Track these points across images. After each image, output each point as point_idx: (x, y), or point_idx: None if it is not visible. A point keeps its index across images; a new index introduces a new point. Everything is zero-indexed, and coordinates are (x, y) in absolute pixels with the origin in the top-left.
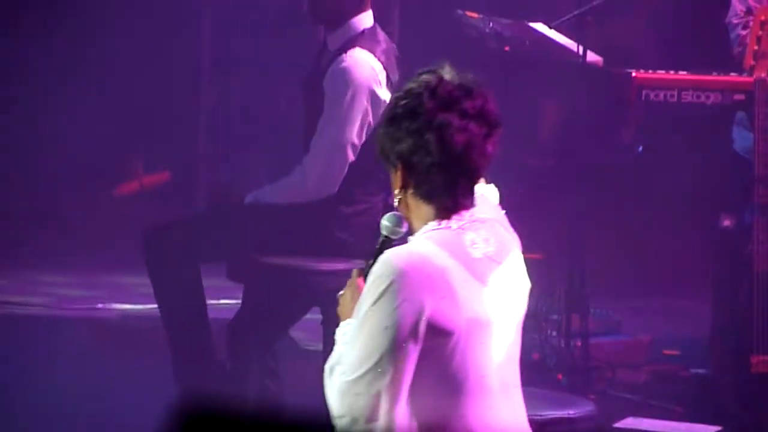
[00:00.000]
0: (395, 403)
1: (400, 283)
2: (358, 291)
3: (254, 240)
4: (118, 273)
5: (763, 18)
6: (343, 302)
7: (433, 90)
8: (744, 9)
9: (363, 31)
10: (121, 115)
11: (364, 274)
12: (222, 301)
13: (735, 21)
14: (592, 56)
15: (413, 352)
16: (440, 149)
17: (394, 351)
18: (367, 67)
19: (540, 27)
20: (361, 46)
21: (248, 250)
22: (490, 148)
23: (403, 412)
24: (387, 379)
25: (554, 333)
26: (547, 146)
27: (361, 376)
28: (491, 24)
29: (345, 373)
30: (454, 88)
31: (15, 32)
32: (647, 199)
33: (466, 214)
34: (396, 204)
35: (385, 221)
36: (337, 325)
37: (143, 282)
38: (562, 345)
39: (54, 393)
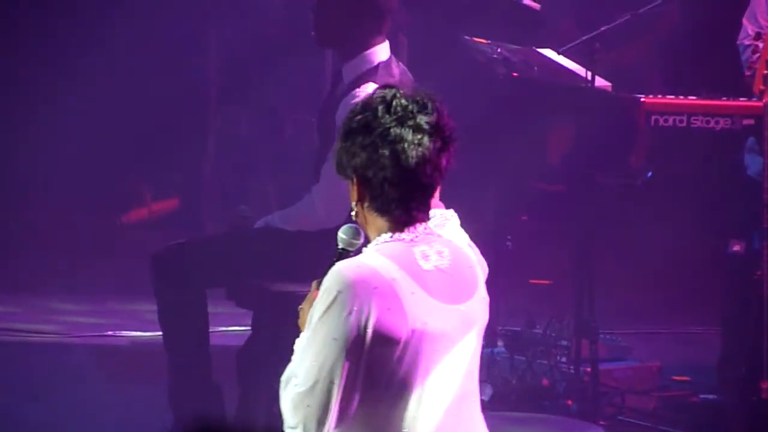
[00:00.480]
0: (346, 412)
1: (347, 295)
2: None
3: (263, 267)
4: (128, 300)
5: None
6: (302, 315)
7: (387, 104)
8: (755, 30)
9: (378, 65)
10: (129, 143)
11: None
12: (231, 328)
13: (746, 42)
14: (600, 81)
15: (361, 362)
16: (394, 164)
17: (342, 361)
18: None
19: (548, 53)
20: (374, 81)
21: (256, 276)
22: (444, 162)
23: (353, 422)
24: (336, 389)
25: (563, 359)
26: (556, 171)
27: (312, 387)
28: (499, 50)
29: (298, 384)
30: (409, 102)
31: (30, 57)
32: (656, 225)
33: (419, 227)
34: (353, 216)
35: (342, 233)
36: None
37: (152, 309)
38: (572, 371)
39: (63, 419)
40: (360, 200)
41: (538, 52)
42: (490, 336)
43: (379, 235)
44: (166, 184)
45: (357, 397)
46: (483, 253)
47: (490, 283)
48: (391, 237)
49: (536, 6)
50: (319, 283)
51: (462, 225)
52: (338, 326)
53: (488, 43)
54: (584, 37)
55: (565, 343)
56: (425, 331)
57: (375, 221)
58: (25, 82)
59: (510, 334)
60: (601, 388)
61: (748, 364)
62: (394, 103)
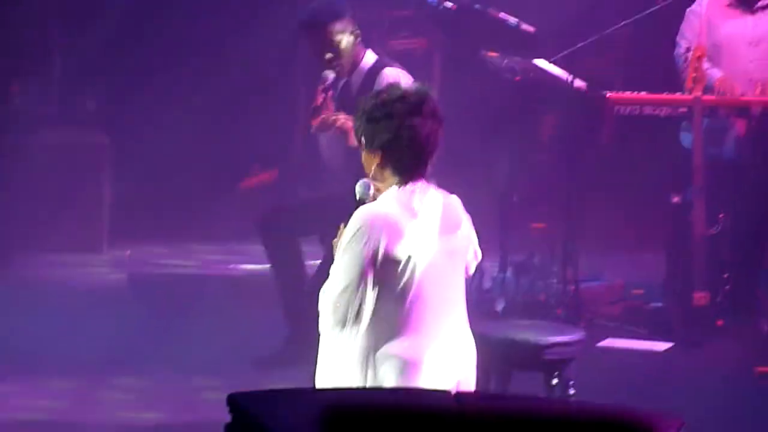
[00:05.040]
0: (362, 313)
1: (365, 229)
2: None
3: (335, 219)
4: (245, 242)
5: (698, 54)
6: (335, 246)
7: (402, 98)
8: (686, 46)
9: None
10: (245, 127)
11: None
12: (315, 262)
13: (681, 52)
14: (578, 83)
15: (374, 276)
16: (410, 140)
17: (361, 276)
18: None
19: (541, 62)
20: (390, 65)
21: (331, 225)
22: (440, 136)
23: (369, 321)
24: (357, 295)
25: (555, 280)
26: (548, 146)
27: (342, 292)
28: (506, 61)
29: (332, 291)
30: (416, 96)
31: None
32: (621, 183)
33: (418, 183)
34: (371, 176)
35: (358, 188)
36: None
37: (260, 249)
38: (561, 289)
39: (201, 330)
40: (382, 165)
41: (534, 62)
42: (502, 264)
43: (390, 188)
44: (270, 159)
45: (371, 302)
46: (495, 207)
47: (500, 228)
48: (398, 189)
49: (531, 29)
50: (346, 224)
51: (481, 186)
52: (359, 251)
53: (498, 56)
54: (566, 51)
55: (555, 269)
56: (418, 253)
57: (389, 179)
58: (167, 83)
59: (517, 263)
60: (582, 300)
61: (684, 280)
62: (407, 97)
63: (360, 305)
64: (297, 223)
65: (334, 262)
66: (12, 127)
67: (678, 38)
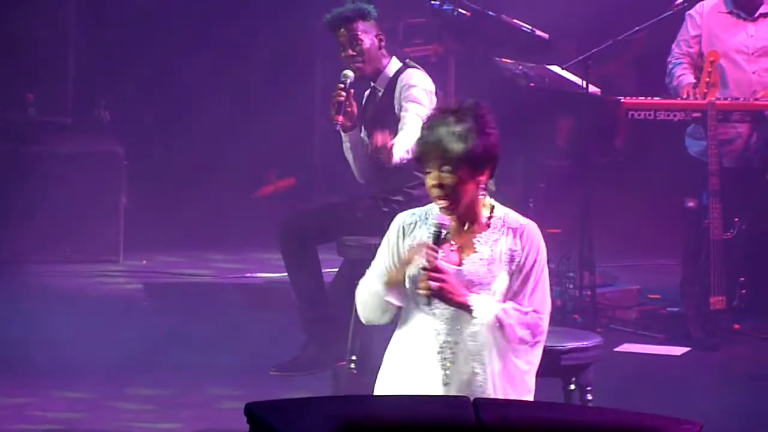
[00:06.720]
0: None
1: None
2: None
3: (351, 227)
4: (261, 251)
5: (712, 58)
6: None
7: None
8: (682, 52)
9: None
10: (260, 137)
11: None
12: (332, 270)
13: (672, 60)
14: (592, 88)
15: None
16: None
17: None
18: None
19: (555, 68)
20: (412, 68)
21: (347, 233)
22: None
23: None
24: None
25: (571, 286)
26: (563, 151)
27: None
28: (520, 67)
29: (547, 309)
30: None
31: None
32: (635, 188)
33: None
34: (491, 189)
35: (434, 228)
36: None
37: (277, 256)
38: (577, 294)
39: (218, 337)
40: (490, 176)
41: (548, 68)
42: None
43: (485, 198)
44: (287, 167)
45: None
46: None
47: None
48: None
49: (545, 36)
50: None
51: (501, 192)
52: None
53: (512, 63)
54: (580, 57)
55: (572, 274)
56: None
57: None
58: (181, 91)
59: None
60: (598, 306)
61: (700, 285)
62: (484, 115)
63: None
64: (314, 231)
65: (536, 279)
66: (26, 136)
67: (673, 45)
